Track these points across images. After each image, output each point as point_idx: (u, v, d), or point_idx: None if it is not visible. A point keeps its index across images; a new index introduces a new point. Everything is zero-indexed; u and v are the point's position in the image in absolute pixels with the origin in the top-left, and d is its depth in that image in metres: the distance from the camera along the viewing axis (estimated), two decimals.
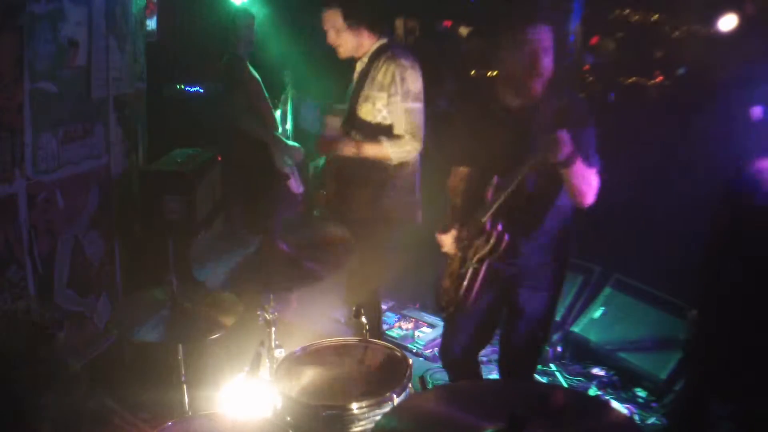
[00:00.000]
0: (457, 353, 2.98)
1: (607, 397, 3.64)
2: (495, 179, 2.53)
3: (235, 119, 4.36)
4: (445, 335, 3.07)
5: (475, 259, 2.62)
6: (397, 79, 3.16)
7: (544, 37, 2.45)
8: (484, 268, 2.64)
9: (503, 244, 2.55)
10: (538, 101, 2.51)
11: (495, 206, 2.51)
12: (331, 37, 3.24)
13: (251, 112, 4.42)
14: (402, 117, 3.20)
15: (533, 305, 2.73)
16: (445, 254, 2.78)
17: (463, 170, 2.86)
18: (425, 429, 1.57)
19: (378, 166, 3.25)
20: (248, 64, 4.46)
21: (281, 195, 4.53)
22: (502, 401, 1.55)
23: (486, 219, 2.55)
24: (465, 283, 2.66)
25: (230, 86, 4.43)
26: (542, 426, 1.42)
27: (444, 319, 3.09)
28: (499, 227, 2.54)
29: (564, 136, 2.29)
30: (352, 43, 3.24)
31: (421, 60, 3.36)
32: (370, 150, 3.19)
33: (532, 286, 2.70)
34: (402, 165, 3.29)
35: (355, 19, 3.19)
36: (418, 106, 3.21)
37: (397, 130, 3.21)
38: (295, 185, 4.58)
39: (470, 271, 2.65)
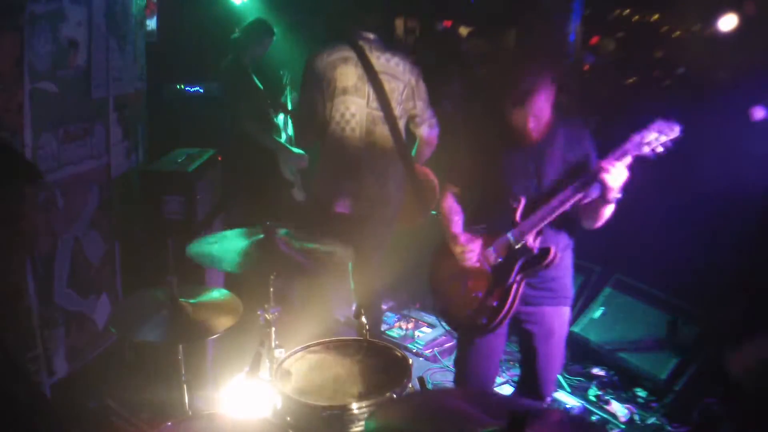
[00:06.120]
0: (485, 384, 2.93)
1: (607, 397, 3.65)
2: (522, 200, 2.60)
3: (242, 125, 4.35)
4: (471, 362, 2.91)
5: (519, 276, 2.64)
6: None
7: (540, 84, 2.53)
8: (522, 285, 2.67)
9: (555, 259, 2.59)
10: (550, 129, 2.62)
11: (542, 225, 2.57)
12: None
13: (257, 119, 4.42)
14: None
15: (560, 321, 2.79)
16: (461, 268, 2.75)
17: (457, 189, 2.89)
18: (425, 429, 1.57)
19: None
20: (251, 74, 4.46)
21: (283, 202, 4.53)
22: (502, 401, 1.55)
23: (528, 238, 2.60)
24: (512, 295, 2.65)
25: (231, 92, 4.43)
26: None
27: (465, 341, 2.95)
28: (539, 242, 2.61)
29: (623, 177, 2.39)
30: None
31: (422, 60, 3.39)
32: None
33: (555, 302, 2.76)
34: None
35: None
36: None
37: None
38: (298, 193, 4.57)
39: (514, 287, 2.65)
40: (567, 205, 2.51)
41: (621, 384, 3.76)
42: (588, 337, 4.00)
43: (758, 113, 3.70)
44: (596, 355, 3.95)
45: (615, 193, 2.44)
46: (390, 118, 3.34)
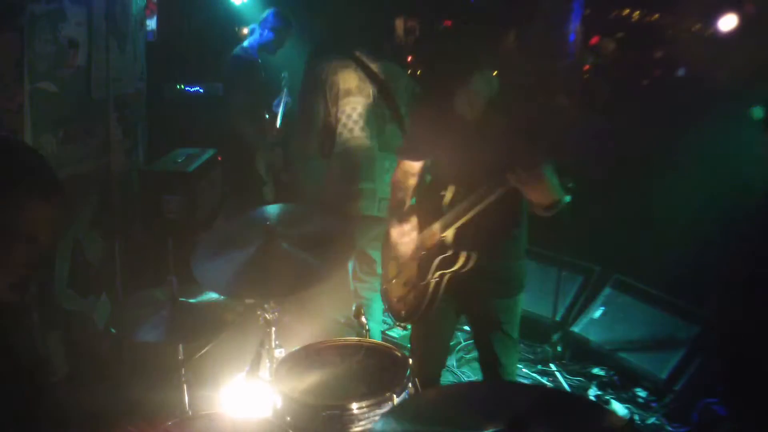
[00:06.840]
0: (437, 376, 2.86)
1: (607, 397, 3.65)
2: (453, 188, 2.42)
3: (233, 121, 4.36)
4: (419, 356, 2.71)
5: (437, 274, 2.47)
6: None
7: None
8: (443, 283, 2.50)
9: (471, 263, 2.42)
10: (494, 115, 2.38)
11: (459, 223, 2.38)
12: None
13: (250, 115, 4.42)
14: None
15: (510, 310, 2.61)
16: (394, 258, 2.65)
17: (413, 165, 2.67)
18: (425, 429, 1.57)
19: None
20: (259, 66, 4.47)
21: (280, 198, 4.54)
22: (502, 401, 1.55)
23: (447, 234, 2.43)
24: (428, 295, 2.51)
25: (234, 85, 4.43)
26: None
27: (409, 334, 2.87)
28: (465, 249, 2.42)
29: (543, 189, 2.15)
30: None
31: (422, 60, 3.40)
32: None
33: (502, 293, 2.59)
34: None
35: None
36: None
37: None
38: (267, 193, 4.56)
39: (432, 285, 2.50)
40: (483, 204, 2.28)
41: (621, 384, 3.76)
42: (588, 337, 4.00)
43: (758, 113, 3.70)
44: (596, 355, 3.94)
45: (542, 202, 2.19)
46: (397, 116, 3.36)
